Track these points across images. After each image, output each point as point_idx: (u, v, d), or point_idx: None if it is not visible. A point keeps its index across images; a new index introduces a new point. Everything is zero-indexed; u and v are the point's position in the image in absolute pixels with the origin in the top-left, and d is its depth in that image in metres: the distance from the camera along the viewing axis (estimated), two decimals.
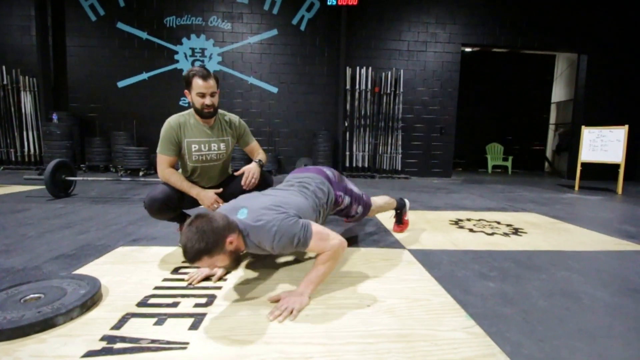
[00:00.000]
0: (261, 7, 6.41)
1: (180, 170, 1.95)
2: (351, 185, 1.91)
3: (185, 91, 1.83)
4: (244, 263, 1.73)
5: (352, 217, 1.95)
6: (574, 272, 1.73)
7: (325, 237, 1.32)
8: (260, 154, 2.08)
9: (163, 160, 1.84)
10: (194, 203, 1.94)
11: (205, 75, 1.76)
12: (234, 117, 2.03)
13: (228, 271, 1.59)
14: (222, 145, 1.95)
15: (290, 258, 1.83)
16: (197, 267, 1.51)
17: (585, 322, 1.23)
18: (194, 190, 1.82)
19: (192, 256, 1.13)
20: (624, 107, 6.81)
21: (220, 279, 1.51)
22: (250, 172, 1.88)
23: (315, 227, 1.31)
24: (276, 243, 1.26)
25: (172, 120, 1.84)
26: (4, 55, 6.12)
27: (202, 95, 1.77)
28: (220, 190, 1.88)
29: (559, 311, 1.31)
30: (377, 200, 2.13)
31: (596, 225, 2.83)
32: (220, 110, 1.96)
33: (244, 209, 1.33)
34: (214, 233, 1.14)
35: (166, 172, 1.82)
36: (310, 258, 1.82)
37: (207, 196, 1.82)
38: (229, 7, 6.39)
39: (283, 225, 1.26)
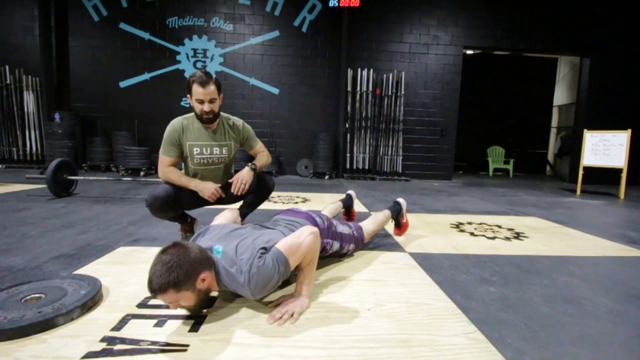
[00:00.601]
0: (263, 9, 6.43)
1: (182, 172, 1.95)
2: (341, 227, 1.80)
3: (188, 95, 1.83)
4: None
5: (344, 255, 1.85)
6: (576, 278, 1.73)
7: (296, 248, 1.23)
8: (259, 158, 2.06)
9: (164, 160, 1.85)
10: (195, 204, 1.94)
11: (205, 81, 1.72)
12: (238, 121, 2.02)
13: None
14: (224, 150, 1.94)
15: None
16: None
17: (587, 329, 1.22)
18: (192, 183, 1.82)
19: (157, 287, 1.00)
20: (626, 111, 6.79)
21: None
22: (239, 179, 1.85)
23: (283, 246, 1.21)
24: (254, 289, 1.14)
25: (175, 123, 1.85)
26: (8, 55, 6.14)
27: (201, 102, 1.76)
28: (219, 185, 1.87)
29: (561, 317, 1.30)
30: (368, 226, 2.01)
31: (598, 230, 2.82)
32: (224, 114, 1.96)
33: (219, 247, 1.23)
34: (188, 265, 1.04)
35: (165, 170, 1.84)
36: None
37: (206, 187, 1.81)
38: (231, 9, 6.40)
39: (257, 269, 1.13)
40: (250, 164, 1.97)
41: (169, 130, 1.84)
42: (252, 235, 1.31)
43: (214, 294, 1.33)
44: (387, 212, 2.21)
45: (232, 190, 1.85)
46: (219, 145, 1.92)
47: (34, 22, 6.10)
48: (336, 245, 1.72)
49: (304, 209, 1.77)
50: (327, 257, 1.78)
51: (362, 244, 1.95)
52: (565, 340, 1.14)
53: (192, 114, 1.89)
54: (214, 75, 1.83)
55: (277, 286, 1.25)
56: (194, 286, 1.07)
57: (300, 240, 1.25)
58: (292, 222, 1.60)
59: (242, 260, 1.16)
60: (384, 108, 6.51)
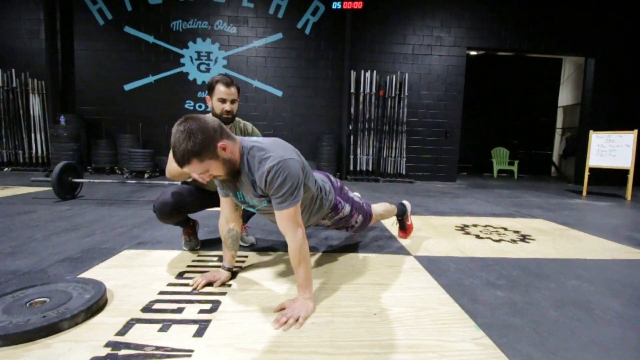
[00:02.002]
0: (266, 11, 6.45)
1: None
2: (352, 194, 1.86)
3: (207, 97, 1.87)
4: (247, 269, 1.72)
5: (352, 227, 1.87)
6: (584, 281, 1.70)
7: (296, 217, 1.24)
8: None
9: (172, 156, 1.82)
10: (202, 206, 1.95)
11: (228, 82, 1.82)
12: (249, 125, 2.06)
13: (233, 276, 1.58)
14: None
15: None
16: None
17: (597, 334, 1.20)
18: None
19: (180, 157, 1.05)
20: (632, 111, 6.72)
21: (224, 284, 1.50)
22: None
23: (296, 206, 1.24)
24: (273, 171, 1.15)
25: None
26: (14, 59, 6.20)
27: (223, 101, 1.81)
28: None
29: (570, 322, 1.28)
30: (376, 208, 2.05)
31: (605, 233, 2.78)
32: (237, 118, 1.98)
33: (259, 137, 1.30)
34: (202, 132, 1.05)
35: (173, 166, 1.76)
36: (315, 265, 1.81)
37: None
38: (235, 11, 6.43)
39: (293, 165, 1.18)
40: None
41: None
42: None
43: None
44: (393, 205, 2.24)
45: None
46: None
47: (40, 26, 6.16)
48: (347, 208, 1.73)
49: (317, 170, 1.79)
50: (337, 223, 1.76)
51: (369, 221, 1.94)
52: (575, 345, 1.12)
53: (205, 115, 1.90)
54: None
55: (267, 199, 1.26)
56: (216, 153, 1.09)
57: (299, 223, 1.27)
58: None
59: (287, 150, 1.22)
60: (387, 110, 6.49)
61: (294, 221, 1.26)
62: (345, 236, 2.39)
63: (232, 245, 1.56)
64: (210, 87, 1.83)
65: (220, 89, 1.80)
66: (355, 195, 1.91)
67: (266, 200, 1.31)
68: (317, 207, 1.57)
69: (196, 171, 1.10)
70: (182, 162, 1.06)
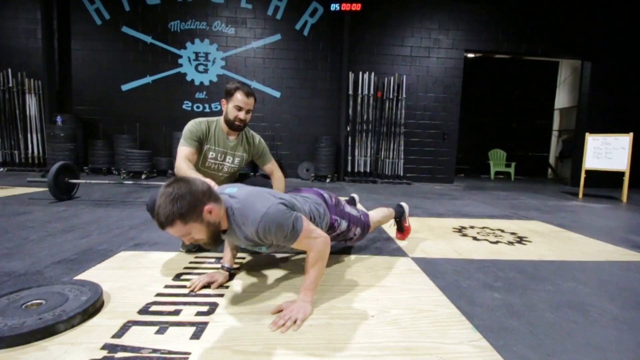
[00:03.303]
0: (265, 12, 6.45)
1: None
2: (349, 208, 1.82)
3: (223, 100, 1.87)
4: (244, 270, 1.71)
5: (350, 239, 1.85)
6: (580, 283, 1.71)
7: (311, 234, 1.26)
8: (277, 185, 2.06)
9: (182, 151, 1.79)
10: None
11: (249, 92, 1.83)
12: (256, 136, 2.07)
13: (230, 278, 1.58)
14: (237, 160, 1.98)
15: (293, 266, 1.81)
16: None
17: (593, 336, 1.21)
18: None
19: (164, 219, 1.02)
20: (628, 114, 6.78)
21: (221, 285, 1.50)
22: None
23: (305, 223, 1.26)
24: (261, 228, 1.14)
25: (201, 122, 1.85)
26: (10, 58, 6.17)
27: (239, 109, 1.82)
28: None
29: (567, 324, 1.29)
30: (374, 216, 2.03)
31: (601, 235, 2.80)
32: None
33: (234, 188, 1.28)
34: (190, 195, 1.03)
35: (183, 166, 1.74)
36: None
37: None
38: (233, 12, 6.43)
39: (275, 210, 1.15)
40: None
41: (192, 125, 1.83)
42: (270, 190, 1.38)
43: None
44: (391, 209, 2.23)
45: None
46: (233, 155, 1.95)
47: (37, 26, 6.13)
48: (344, 225, 1.71)
49: (312, 188, 1.79)
50: (335, 238, 1.75)
51: (368, 231, 1.94)
52: (571, 348, 1.13)
53: (216, 118, 1.91)
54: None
55: (275, 243, 1.25)
56: (201, 217, 1.07)
57: (315, 234, 1.28)
58: (300, 195, 1.61)
59: (259, 198, 1.20)
60: (385, 111, 6.51)
61: (311, 238, 1.27)
62: None
63: (233, 245, 1.58)
64: (228, 92, 1.83)
65: (239, 97, 1.81)
66: (353, 209, 1.87)
67: (265, 247, 1.32)
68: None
69: (177, 233, 1.07)
70: (164, 223, 1.03)
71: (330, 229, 1.65)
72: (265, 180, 2.16)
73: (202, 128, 1.84)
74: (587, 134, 5.39)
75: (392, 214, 2.23)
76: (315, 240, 1.28)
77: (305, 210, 1.46)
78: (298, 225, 1.20)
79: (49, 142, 5.82)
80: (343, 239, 1.82)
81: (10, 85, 6.14)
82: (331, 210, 1.65)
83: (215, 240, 1.18)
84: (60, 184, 3.40)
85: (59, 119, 5.92)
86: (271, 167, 2.11)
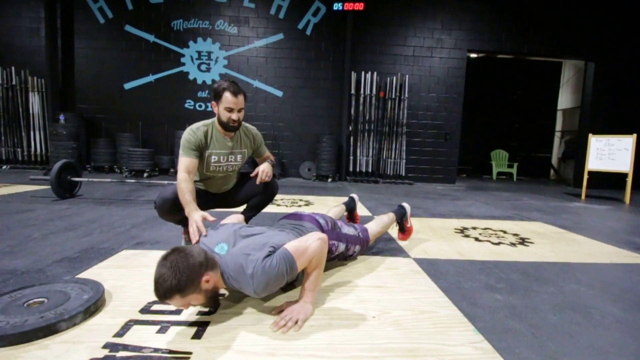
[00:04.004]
0: (267, 12, 6.45)
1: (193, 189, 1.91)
2: (346, 229, 1.81)
3: (212, 102, 1.83)
4: None
5: (350, 256, 1.86)
6: (583, 285, 1.70)
7: (304, 250, 1.23)
8: (267, 158, 2.12)
9: (184, 162, 1.76)
10: (204, 206, 1.94)
11: (236, 91, 1.77)
12: (253, 129, 2.05)
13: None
14: (239, 157, 1.98)
15: None
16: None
17: (596, 338, 1.20)
18: (187, 208, 1.65)
19: (163, 293, 1.03)
20: (631, 115, 6.74)
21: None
22: (264, 171, 1.91)
23: (291, 246, 1.22)
24: (257, 286, 1.15)
25: (198, 129, 1.81)
26: (13, 56, 6.19)
27: (230, 110, 1.78)
28: (212, 218, 1.60)
29: (569, 326, 1.28)
30: (373, 228, 2.01)
31: (604, 236, 2.79)
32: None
33: (224, 244, 1.27)
34: (189, 270, 1.05)
35: (181, 176, 1.73)
36: None
37: (191, 219, 1.56)
38: (236, 11, 6.43)
39: (262, 266, 1.14)
40: (269, 160, 2.06)
41: (190, 135, 1.79)
42: (260, 234, 1.34)
43: (222, 291, 1.34)
44: (391, 215, 2.21)
45: (258, 181, 1.89)
46: (234, 154, 1.95)
47: (40, 24, 6.15)
48: (342, 247, 1.73)
49: (308, 212, 1.77)
50: (333, 259, 1.76)
51: (367, 245, 1.94)
52: (574, 350, 1.12)
53: (211, 120, 1.88)
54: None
55: (281, 285, 1.24)
56: (199, 287, 1.09)
57: (307, 244, 1.25)
58: (297, 225, 1.61)
59: (248, 258, 1.17)
60: (388, 111, 6.50)
61: (305, 252, 1.23)
62: None
63: None
64: (217, 94, 1.78)
65: (228, 98, 1.75)
66: (351, 227, 1.85)
67: None
68: None
69: (176, 305, 1.09)
70: (163, 297, 1.04)
71: (328, 253, 1.59)
72: (273, 182, 2.13)
73: (200, 136, 1.80)
74: (590, 135, 5.36)
75: (393, 219, 2.22)
76: (310, 250, 1.24)
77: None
78: (287, 260, 1.17)
79: (52, 140, 5.84)
80: (342, 258, 1.82)
81: (14, 83, 6.17)
82: (327, 235, 1.59)
83: (213, 302, 1.23)
84: (63, 182, 3.41)
85: (61, 117, 5.94)
86: (266, 156, 2.15)
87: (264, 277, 1.14)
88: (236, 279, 1.18)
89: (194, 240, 1.43)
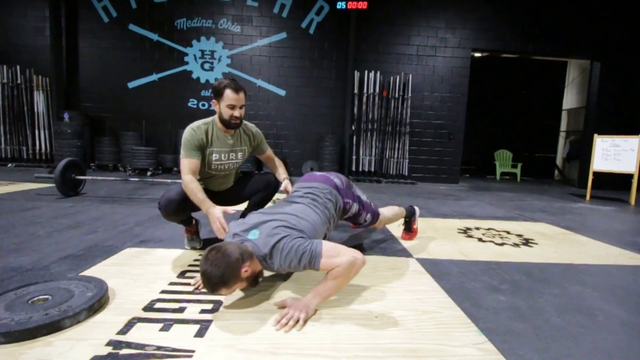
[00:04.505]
0: (271, 10, 6.44)
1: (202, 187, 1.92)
2: (359, 192, 1.91)
3: (213, 101, 1.83)
4: None
5: (360, 224, 1.95)
6: (588, 287, 1.69)
7: (334, 255, 1.26)
8: (281, 168, 2.12)
9: (185, 163, 1.77)
10: None
11: (237, 88, 1.79)
12: (252, 127, 2.06)
13: None
14: (240, 155, 1.99)
15: None
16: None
17: (601, 341, 1.19)
18: (204, 206, 1.70)
19: (211, 288, 1.19)
20: (637, 115, 6.67)
21: None
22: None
23: (325, 246, 1.27)
24: (283, 262, 1.27)
25: (198, 128, 1.81)
26: (19, 55, 6.23)
27: (232, 107, 1.79)
28: (233, 211, 1.70)
29: (574, 328, 1.27)
30: (385, 212, 2.08)
31: (609, 238, 2.77)
32: None
33: (255, 230, 1.37)
34: (229, 267, 1.18)
35: (187, 179, 1.74)
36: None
37: (212, 216, 1.62)
38: (239, 10, 6.43)
39: (292, 246, 1.26)
40: (283, 177, 2.05)
41: (191, 134, 1.79)
42: (282, 214, 1.45)
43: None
44: (402, 209, 2.27)
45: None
46: (235, 151, 1.95)
47: (45, 23, 6.18)
48: (355, 207, 1.82)
49: (321, 173, 1.84)
50: (346, 219, 1.86)
51: (377, 220, 2.00)
52: (578, 352, 1.11)
53: (211, 119, 1.88)
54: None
55: (298, 270, 1.36)
56: (240, 277, 1.22)
57: (342, 253, 1.27)
58: (311, 189, 1.67)
59: (277, 236, 1.30)
60: (391, 110, 6.48)
61: (334, 258, 1.26)
62: (347, 237, 2.38)
63: None
64: (217, 92, 1.79)
65: (230, 95, 1.76)
66: (363, 194, 1.96)
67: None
68: (332, 223, 1.68)
69: (224, 294, 1.27)
70: (212, 291, 1.22)
71: (344, 211, 1.78)
72: (268, 177, 2.15)
73: (200, 135, 1.80)
74: (595, 135, 5.32)
75: (403, 212, 2.28)
76: (340, 258, 1.26)
77: (321, 220, 1.52)
78: (316, 253, 1.25)
79: (56, 138, 5.88)
80: (353, 221, 1.91)
81: (19, 82, 6.20)
82: (342, 194, 1.76)
83: (254, 283, 1.36)
84: (67, 180, 3.43)
85: (66, 115, 5.98)
86: (269, 153, 2.17)
87: (293, 256, 1.25)
88: (271, 255, 1.29)
89: (220, 237, 1.53)
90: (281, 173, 2.09)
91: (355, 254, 1.28)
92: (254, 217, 1.46)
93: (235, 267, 1.19)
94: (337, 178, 1.80)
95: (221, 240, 1.50)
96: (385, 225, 2.24)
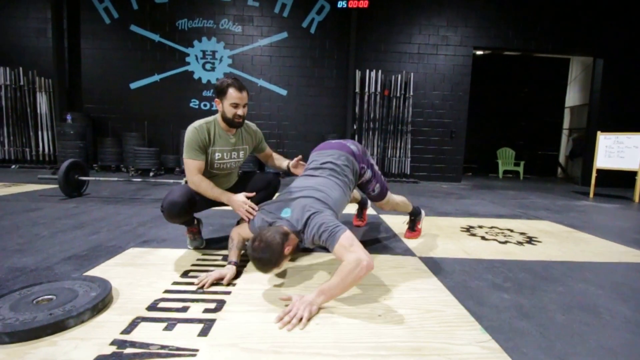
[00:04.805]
0: (271, 10, 6.44)
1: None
2: (373, 162, 2.01)
3: (216, 100, 1.84)
4: (251, 268, 1.72)
5: (368, 193, 2.03)
6: (592, 285, 1.68)
7: (347, 246, 1.31)
8: (281, 158, 2.20)
9: (191, 165, 1.78)
10: (210, 205, 1.95)
11: (241, 87, 1.81)
12: (253, 125, 2.07)
13: (237, 275, 1.58)
14: (241, 154, 2.00)
15: (300, 264, 1.81)
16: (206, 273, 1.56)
17: (606, 339, 1.18)
18: (224, 197, 1.78)
19: (265, 272, 1.41)
20: None
21: (229, 283, 1.51)
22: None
23: (345, 234, 1.35)
24: (310, 234, 1.42)
25: (200, 127, 1.81)
26: (21, 57, 6.26)
27: (236, 106, 1.80)
28: (253, 194, 1.81)
29: (578, 326, 1.26)
30: (394, 196, 2.17)
31: (613, 235, 2.75)
32: None
33: (287, 209, 1.51)
34: (274, 251, 1.33)
35: (196, 179, 1.78)
36: (320, 269, 1.81)
37: (238, 202, 1.73)
38: (240, 10, 6.43)
39: (318, 222, 1.40)
40: (286, 162, 2.15)
41: (194, 134, 1.79)
42: (313, 194, 1.56)
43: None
44: (409, 202, 2.32)
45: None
46: (237, 150, 1.96)
47: (47, 25, 6.21)
48: (369, 173, 1.93)
49: (337, 140, 1.94)
50: (358, 185, 1.96)
51: (384, 196, 2.06)
52: (583, 351, 1.11)
53: (213, 118, 1.89)
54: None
55: (319, 245, 1.47)
56: (285, 256, 1.39)
57: (354, 248, 1.31)
58: (329, 158, 1.79)
59: (307, 213, 1.45)
60: (393, 109, 6.47)
61: (348, 250, 1.31)
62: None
63: (240, 247, 1.68)
64: (221, 91, 1.79)
65: (233, 94, 1.78)
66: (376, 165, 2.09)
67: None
68: (351, 189, 1.82)
69: (275, 272, 1.49)
70: (265, 273, 1.43)
71: (359, 177, 1.89)
72: (268, 176, 2.16)
73: (203, 134, 1.80)
74: (598, 132, 5.29)
75: (410, 206, 2.32)
76: (351, 253, 1.29)
77: (343, 193, 1.67)
78: (337, 236, 1.34)
79: (59, 139, 5.91)
80: (365, 188, 2.00)
81: (22, 83, 6.24)
82: (358, 159, 1.88)
83: (297, 251, 1.57)
84: (71, 181, 3.45)
85: (68, 117, 6.01)
86: (268, 151, 2.21)
87: (317, 230, 1.39)
88: (302, 233, 1.45)
89: (248, 218, 1.67)
90: (283, 160, 2.17)
91: (366, 256, 1.29)
92: (283, 195, 1.61)
93: (279, 250, 1.35)
94: (353, 145, 1.91)
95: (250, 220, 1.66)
96: (391, 209, 2.22)
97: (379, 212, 3.33)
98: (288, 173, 2.16)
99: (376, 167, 2.02)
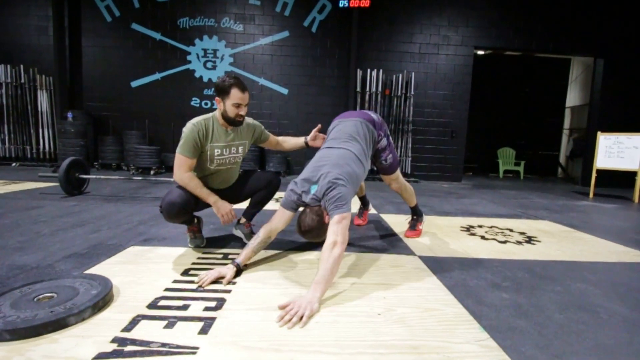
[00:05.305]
0: (273, 9, 6.44)
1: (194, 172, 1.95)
2: (389, 133, 2.12)
3: (217, 98, 1.83)
4: (252, 266, 1.72)
5: (380, 162, 2.12)
6: (590, 284, 1.69)
7: (340, 227, 1.48)
8: (291, 138, 2.29)
9: (183, 162, 1.79)
10: (208, 204, 1.96)
11: (244, 87, 1.82)
12: (249, 119, 2.06)
13: (237, 274, 1.59)
14: (240, 149, 2.00)
15: (300, 262, 1.82)
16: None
17: (603, 338, 1.19)
18: (211, 198, 1.82)
19: (316, 240, 1.65)
20: None
21: (230, 282, 1.51)
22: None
23: (346, 216, 1.51)
24: (323, 200, 1.59)
25: (199, 124, 1.82)
26: (22, 55, 6.27)
27: (238, 106, 1.81)
28: (232, 206, 1.90)
29: (576, 325, 1.27)
30: (404, 180, 2.32)
31: (612, 235, 2.75)
32: None
33: (315, 186, 1.65)
34: (319, 222, 1.56)
35: (185, 177, 1.79)
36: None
37: (223, 207, 1.85)
38: (241, 9, 6.43)
39: (336, 195, 1.56)
40: (302, 140, 2.25)
41: (191, 130, 1.79)
42: (333, 169, 1.66)
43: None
44: (414, 197, 2.43)
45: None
46: (236, 145, 1.97)
47: (48, 23, 6.21)
48: (384, 142, 2.05)
49: (358, 111, 2.08)
50: (373, 154, 2.06)
51: (394, 170, 2.18)
52: (580, 349, 1.11)
53: (211, 114, 1.89)
54: None
55: (324, 205, 1.61)
56: (326, 223, 1.56)
57: (343, 233, 1.49)
58: (350, 127, 1.92)
59: (330, 184, 1.60)
60: (394, 109, 6.46)
61: (339, 225, 1.49)
62: (350, 235, 2.38)
63: (257, 248, 1.68)
64: (223, 90, 1.79)
65: (237, 95, 1.78)
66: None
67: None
68: (369, 155, 1.96)
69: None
70: (315, 241, 1.71)
71: (375, 143, 2.01)
72: (269, 175, 2.16)
73: (201, 131, 1.80)
74: (598, 132, 5.29)
75: (415, 199, 2.44)
76: (330, 236, 1.46)
77: (363, 165, 1.81)
78: (340, 209, 1.51)
79: (60, 137, 5.91)
80: (377, 159, 2.10)
81: (23, 81, 6.24)
82: (377, 126, 2.01)
83: None
84: (71, 179, 3.46)
85: (69, 115, 6.01)
86: (273, 138, 2.24)
87: (334, 198, 1.55)
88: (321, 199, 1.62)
89: (227, 222, 1.86)
90: (297, 138, 2.27)
91: (342, 238, 1.47)
92: (309, 171, 1.71)
93: (322, 220, 1.57)
94: (373, 114, 2.05)
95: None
96: (397, 190, 2.33)
97: (379, 211, 3.34)
98: (307, 148, 2.27)
99: (391, 139, 2.13)
